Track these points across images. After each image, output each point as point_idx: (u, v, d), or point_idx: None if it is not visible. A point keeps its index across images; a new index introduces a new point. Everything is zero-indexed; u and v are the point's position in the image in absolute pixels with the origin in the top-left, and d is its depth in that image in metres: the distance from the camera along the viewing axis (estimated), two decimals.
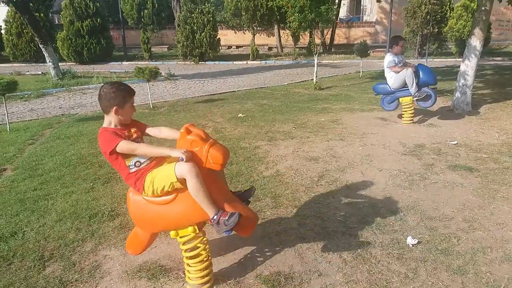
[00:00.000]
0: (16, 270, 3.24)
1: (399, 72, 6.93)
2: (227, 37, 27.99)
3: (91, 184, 4.94)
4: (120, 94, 2.73)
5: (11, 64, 20.57)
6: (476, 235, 3.56)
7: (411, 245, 3.40)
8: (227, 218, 2.63)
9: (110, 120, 2.78)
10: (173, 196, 2.69)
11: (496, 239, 3.49)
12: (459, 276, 3.00)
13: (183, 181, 2.58)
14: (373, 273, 3.06)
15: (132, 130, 2.84)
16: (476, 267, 3.10)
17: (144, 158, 2.75)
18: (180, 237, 2.82)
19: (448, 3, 18.59)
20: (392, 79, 7.06)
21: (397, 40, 7.18)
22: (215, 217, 2.64)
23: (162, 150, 2.69)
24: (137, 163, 2.72)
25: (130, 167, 2.72)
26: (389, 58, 7.10)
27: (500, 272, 3.05)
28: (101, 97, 2.75)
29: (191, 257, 2.83)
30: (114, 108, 2.72)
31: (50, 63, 14.53)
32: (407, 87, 6.91)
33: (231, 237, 3.36)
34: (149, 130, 2.99)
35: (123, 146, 2.63)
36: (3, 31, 21.54)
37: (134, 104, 2.88)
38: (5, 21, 20.99)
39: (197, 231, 2.78)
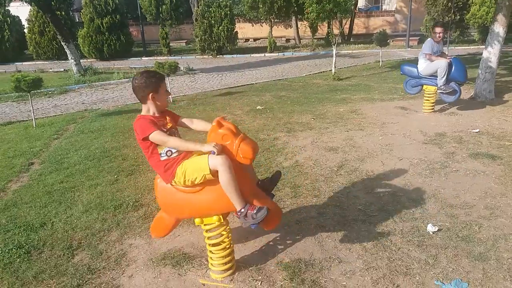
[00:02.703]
0: (46, 258, 3.39)
1: (433, 61, 6.75)
2: (245, 30, 27.93)
3: (115, 176, 5.07)
4: (151, 80, 2.83)
5: (34, 62, 21.05)
6: (498, 222, 3.53)
7: (431, 233, 3.41)
8: (255, 212, 2.70)
9: (148, 107, 2.87)
10: (202, 186, 2.76)
11: None
12: (480, 263, 2.99)
13: (215, 173, 2.65)
14: (393, 259, 3.08)
15: (167, 118, 2.94)
16: (498, 253, 3.09)
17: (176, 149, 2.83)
18: (205, 225, 2.89)
19: None
20: (424, 65, 6.92)
21: (434, 26, 6.92)
22: (242, 210, 2.72)
23: (193, 145, 2.72)
24: (168, 152, 2.79)
25: (161, 155, 2.79)
26: (428, 43, 6.87)
27: None
28: (136, 89, 2.84)
29: (214, 245, 2.92)
30: (150, 95, 2.81)
31: (72, 60, 14.83)
32: (436, 76, 6.75)
33: None
34: (182, 121, 3.09)
35: (156, 136, 2.70)
36: (26, 30, 22.04)
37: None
38: (28, 20, 21.48)
39: (222, 221, 2.85)
